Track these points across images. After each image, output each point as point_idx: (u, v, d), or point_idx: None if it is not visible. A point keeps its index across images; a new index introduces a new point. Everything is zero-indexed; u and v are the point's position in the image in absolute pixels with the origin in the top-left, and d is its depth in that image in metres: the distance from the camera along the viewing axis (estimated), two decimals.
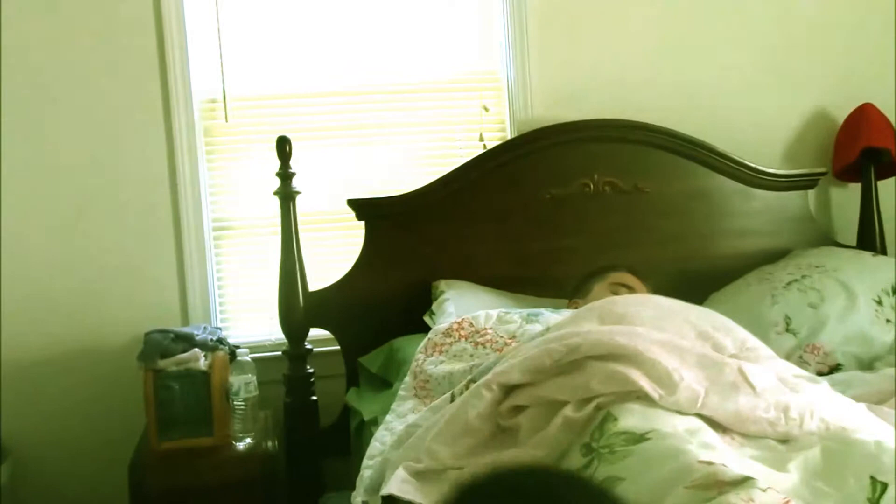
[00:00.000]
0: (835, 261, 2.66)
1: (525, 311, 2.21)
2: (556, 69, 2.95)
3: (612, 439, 1.41)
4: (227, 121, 2.80)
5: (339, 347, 2.74)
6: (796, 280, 2.59)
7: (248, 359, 2.36)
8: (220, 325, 2.80)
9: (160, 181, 2.75)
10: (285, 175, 2.59)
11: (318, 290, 2.68)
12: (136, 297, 2.73)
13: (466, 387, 1.79)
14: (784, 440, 1.51)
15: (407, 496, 1.48)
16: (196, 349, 2.35)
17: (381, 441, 2.01)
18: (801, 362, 2.31)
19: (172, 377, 2.31)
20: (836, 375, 2.22)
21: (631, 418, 1.45)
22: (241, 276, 2.87)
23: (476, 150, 2.90)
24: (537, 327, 2.12)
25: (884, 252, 2.94)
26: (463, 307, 2.48)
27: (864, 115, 2.98)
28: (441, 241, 2.76)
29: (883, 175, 3.03)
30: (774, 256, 2.86)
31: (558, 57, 2.95)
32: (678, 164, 2.88)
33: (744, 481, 1.19)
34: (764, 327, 2.43)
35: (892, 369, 2.15)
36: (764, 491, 1.19)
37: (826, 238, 3.00)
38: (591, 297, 2.40)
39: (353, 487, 2.57)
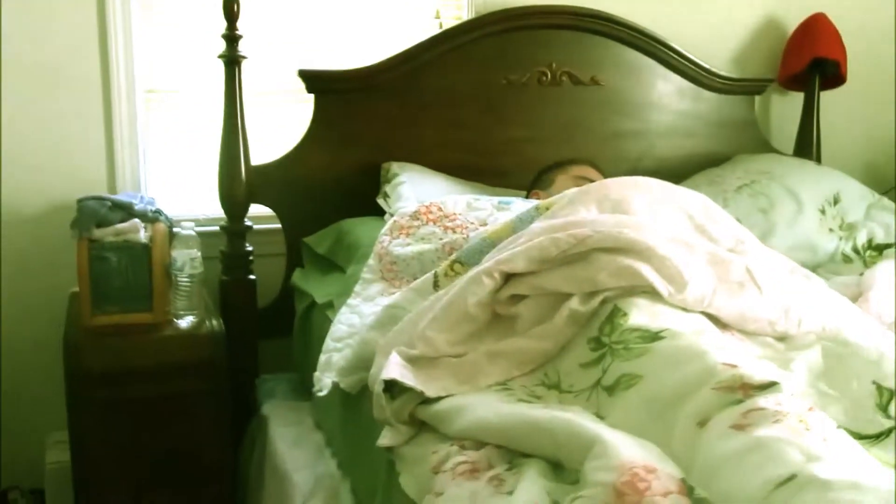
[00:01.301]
0: (781, 168, 2.70)
1: (495, 199, 2.14)
2: None
3: (625, 335, 1.38)
4: None
5: (279, 226, 2.61)
6: (746, 185, 2.61)
7: (194, 233, 2.20)
8: (149, 196, 2.60)
9: (89, 38, 2.48)
10: (231, 37, 2.39)
11: (261, 164, 2.53)
12: (59, 164, 2.50)
13: (451, 267, 1.73)
14: (781, 338, 1.52)
15: (408, 382, 1.41)
16: (136, 220, 2.18)
17: (347, 324, 1.93)
18: None
19: (109, 248, 2.14)
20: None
21: (640, 314, 1.41)
22: (174, 146, 2.67)
23: (431, 29, 2.77)
24: (507, 215, 2.05)
25: (819, 162, 3.00)
26: (419, 191, 2.39)
27: (816, 25, 2.99)
28: (392, 121, 2.63)
29: (827, 86, 3.07)
30: (717, 160, 2.88)
31: None
32: (636, 58, 2.83)
33: (770, 385, 1.18)
34: None
35: (847, 277, 2.21)
36: (791, 395, 1.18)
37: (766, 145, 3.04)
38: (553, 188, 2.36)
39: (290, 370, 2.54)
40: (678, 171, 2.82)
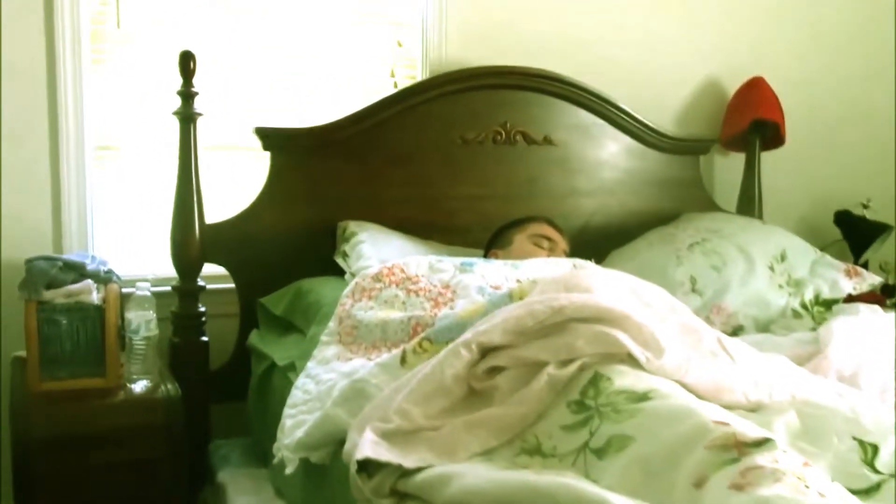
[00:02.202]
0: (730, 226, 2.76)
1: (457, 260, 2.13)
2: (475, 13, 2.85)
3: (612, 397, 1.38)
4: (118, 27, 2.51)
5: (233, 286, 2.56)
6: (697, 243, 2.66)
7: (149, 293, 2.15)
8: (96, 254, 2.52)
9: (37, 92, 2.43)
10: (187, 94, 2.36)
11: (216, 222, 2.48)
12: (4, 222, 2.41)
13: (420, 345, 1.71)
14: (753, 409, 1.54)
15: (383, 458, 1.38)
16: (88, 280, 2.12)
17: (303, 389, 1.89)
18: (708, 321, 2.38)
19: (60, 310, 2.06)
20: (747, 337, 2.30)
21: (624, 378, 1.42)
22: (124, 203, 2.60)
23: (387, 87, 2.78)
24: (471, 277, 2.05)
25: (762, 219, 3.09)
26: (379, 250, 2.38)
27: (755, 88, 3.10)
28: (349, 179, 2.62)
29: (767, 147, 3.17)
30: (665, 217, 2.93)
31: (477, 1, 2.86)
32: (586, 118, 2.88)
33: (765, 442, 1.19)
34: (671, 286, 2.46)
35: (802, 333, 2.26)
36: (785, 452, 1.19)
37: (711, 203, 3.11)
38: (512, 248, 2.37)
39: (243, 434, 2.48)
40: (628, 228, 2.87)
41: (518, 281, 2.05)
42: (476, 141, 2.74)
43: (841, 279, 2.66)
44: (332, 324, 2.03)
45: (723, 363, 1.53)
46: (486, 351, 1.54)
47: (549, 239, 2.38)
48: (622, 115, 2.91)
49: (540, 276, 2.05)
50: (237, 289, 2.55)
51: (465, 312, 1.75)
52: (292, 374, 2.06)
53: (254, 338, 2.41)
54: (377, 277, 2.08)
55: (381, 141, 2.65)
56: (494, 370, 1.53)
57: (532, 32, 2.92)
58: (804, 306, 2.59)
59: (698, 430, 1.23)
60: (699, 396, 1.50)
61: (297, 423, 1.81)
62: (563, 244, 2.42)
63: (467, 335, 1.54)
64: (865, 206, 3.32)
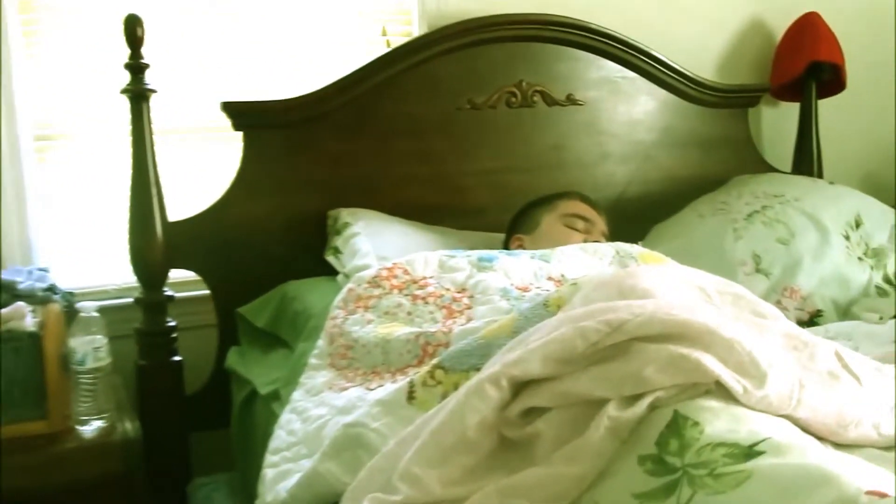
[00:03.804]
0: (792, 189, 2.33)
1: (474, 255, 1.72)
2: None
3: (705, 454, 0.97)
4: None
5: (207, 292, 2.16)
6: (757, 211, 2.24)
7: (96, 314, 1.74)
8: (42, 265, 2.12)
9: None
10: (136, 67, 1.95)
11: (182, 220, 2.08)
12: None
13: (432, 375, 1.30)
14: (889, 446, 1.12)
15: None
16: (20, 303, 1.72)
17: (287, 429, 1.50)
18: (780, 308, 1.96)
19: None
20: (830, 326, 1.89)
21: (718, 421, 1.01)
22: (72, 202, 2.20)
23: (378, 47, 2.36)
24: (492, 277, 1.64)
25: (824, 180, 2.65)
26: (377, 244, 1.97)
27: (810, 26, 2.65)
28: (339, 159, 2.21)
29: (823, 94, 2.72)
30: (712, 182, 2.50)
31: None
32: (615, 72, 2.46)
33: None
34: (729, 267, 2.08)
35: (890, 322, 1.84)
36: None
37: (763, 163, 2.68)
38: (540, 231, 1.97)
39: (229, 468, 2.09)
40: (670, 197, 2.46)
41: (552, 279, 1.64)
42: (487, 105, 2.31)
43: None
44: (321, 342, 1.63)
45: (846, 386, 1.12)
46: (520, 386, 1.13)
47: (584, 219, 1.97)
48: (657, 66, 2.47)
49: (580, 274, 1.64)
50: (213, 296, 2.15)
51: (488, 332, 1.34)
52: (277, 406, 1.67)
53: (232, 358, 2.02)
54: (375, 282, 1.67)
55: (374, 111, 2.23)
56: (533, 412, 1.12)
57: None
58: (888, 281, 2.17)
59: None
60: (814, 434, 1.09)
61: (280, 473, 1.42)
62: (600, 224, 2.00)
63: (494, 366, 1.12)
64: None
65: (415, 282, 1.65)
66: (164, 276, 2.03)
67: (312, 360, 1.61)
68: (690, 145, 2.57)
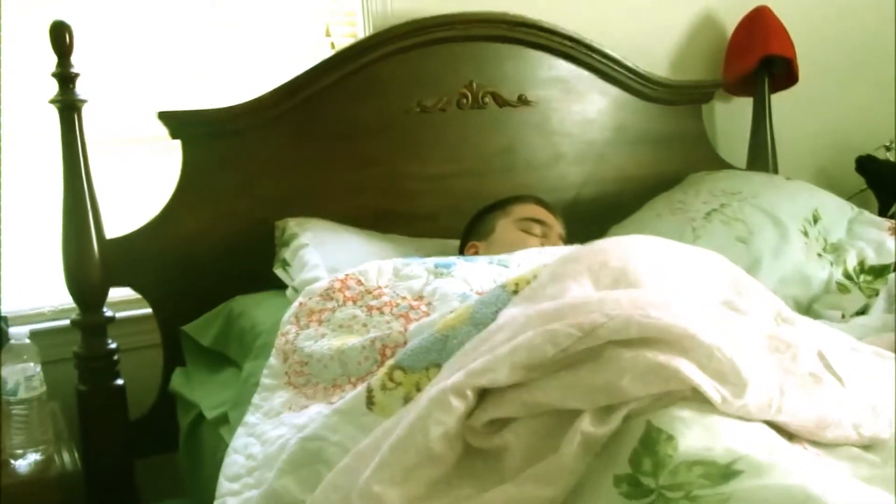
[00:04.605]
0: (749, 186, 2.30)
1: (430, 261, 1.64)
2: None
3: (682, 474, 0.90)
4: None
5: (150, 310, 2.05)
6: (715, 210, 2.20)
7: (27, 340, 1.63)
8: None
9: None
10: (66, 76, 1.84)
11: (120, 236, 1.97)
12: None
13: (391, 376, 1.22)
14: (867, 447, 1.07)
15: None
16: None
17: (244, 453, 1.40)
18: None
19: None
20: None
21: (692, 435, 0.95)
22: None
23: (322, 49, 2.27)
24: (450, 283, 1.56)
25: (776, 174, 2.63)
26: (328, 255, 1.88)
27: (761, 20, 2.62)
28: (285, 167, 2.12)
29: (775, 88, 2.70)
30: (668, 180, 2.46)
31: None
32: (567, 71, 2.40)
33: None
34: None
35: (867, 317, 1.81)
36: None
37: (718, 160, 2.65)
38: (495, 237, 1.90)
39: (177, 493, 1.98)
40: (625, 197, 2.41)
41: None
42: (437, 108, 2.24)
43: (886, 239, 2.21)
44: (273, 360, 1.54)
45: (828, 389, 1.06)
46: (484, 391, 1.05)
47: (540, 223, 1.90)
48: (609, 63, 2.43)
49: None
50: (155, 315, 2.04)
51: (444, 323, 1.26)
52: (225, 430, 1.58)
53: (177, 380, 1.92)
54: (327, 294, 1.58)
55: (320, 116, 2.15)
56: (499, 422, 1.04)
57: None
58: (848, 276, 2.13)
59: None
60: (793, 434, 1.04)
61: (244, 501, 1.32)
62: (557, 227, 1.94)
63: (458, 374, 1.04)
64: (888, 149, 2.88)
65: (369, 292, 1.57)
66: (103, 296, 1.92)
67: (266, 381, 1.51)
68: (644, 143, 2.52)
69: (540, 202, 1.98)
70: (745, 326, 1.10)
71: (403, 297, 1.55)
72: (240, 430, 1.46)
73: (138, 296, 2.05)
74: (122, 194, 2.11)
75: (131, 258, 1.97)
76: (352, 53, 2.16)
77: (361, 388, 1.24)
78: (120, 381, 1.94)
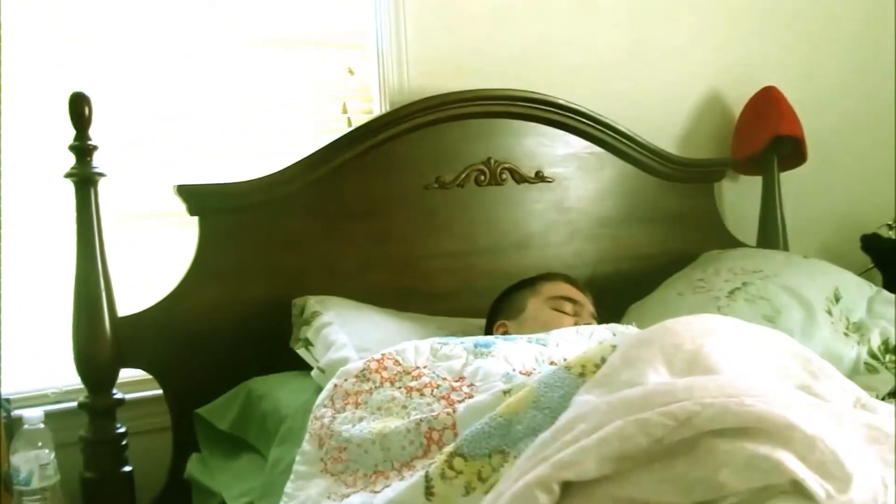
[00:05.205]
0: (769, 264, 2.28)
1: (468, 341, 1.58)
2: (438, 31, 2.34)
3: None
4: None
5: (160, 391, 1.95)
6: (738, 288, 2.17)
7: (41, 425, 1.54)
8: None
9: None
10: (83, 149, 1.79)
11: (132, 314, 1.89)
12: None
13: (450, 465, 1.16)
14: None
15: None
16: None
17: None
18: None
19: None
20: None
21: None
22: (8, 295, 1.99)
23: (339, 125, 2.24)
24: (491, 363, 1.50)
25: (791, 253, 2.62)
26: (353, 334, 1.81)
27: (770, 100, 2.65)
28: (299, 244, 2.06)
29: (783, 167, 2.71)
30: (682, 260, 2.43)
31: (441, 16, 2.34)
32: (582, 148, 2.39)
33: None
34: None
35: None
36: None
37: (731, 238, 2.63)
38: (526, 316, 1.84)
39: None
40: (641, 275, 2.39)
41: (554, 364, 1.51)
42: (455, 184, 2.21)
43: None
44: (307, 446, 1.45)
45: None
46: (566, 485, 0.99)
47: (572, 301, 1.85)
48: (624, 141, 2.42)
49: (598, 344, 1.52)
50: (166, 397, 1.95)
51: (506, 407, 1.20)
52: None
53: (193, 466, 1.82)
54: (363, 375, 1.51)
55: (337, 192, 2.10)
56: None
57: (504, 54, 2.42)
58: (873, 356, 2.10)
59: None
60: None
61: None
62: (588, 305, 1.89)
63: (542, 468, 0.97)
64: (891, 227, 2.89)
65: (407, 372, 1.50)
66: (114, 377, 1.84)
67: (300, 468, 1.43)
68: (658, 221, 2.51)
69: (569, 280, 1.93)
70: (841, 415, 1.04)
71: (444, 378, 1.48)
72: None
73: (146, 376, 1.96)
74: (133, 270, 2.03)
75: (143, 337, 1.89)
76: (371, 129, 2.12)
77: (418, 476, 1.17)
78: (128, 468, 1.83)
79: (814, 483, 0.94)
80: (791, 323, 2.06)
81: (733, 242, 2.60)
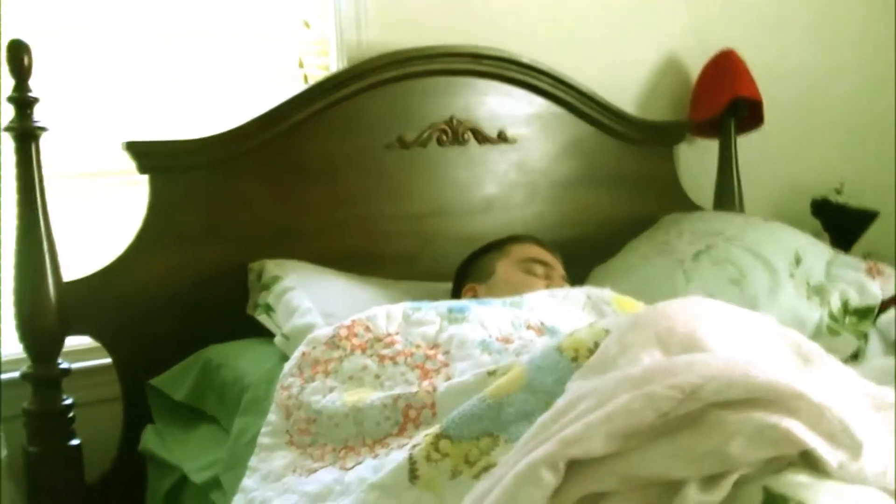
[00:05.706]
0: (731, 227, 2.26)
1: (441, 305, 1.52)
2: None
3: None
4: None
5: (109, 360, 1.86)
6: (702, 251, 2.15)
7: None
8: None
9: None
10: (23, 101, 1.67)
11: (78, 279, 1.79)
12: None
13: (436, 447, 1.10)
14: None
15: None
16: None
17: None
18: None
19: None
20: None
21: (823, 500, 0.86)
22: None
23: (295, 81, 2.14)
24: (467, 329, 1.44)
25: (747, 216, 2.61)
26: (318, 300, 1.73)
27: (728, 63, 2.62)
28: (256, 204, 1.97)
29: (740, 130, 2.70)
30: (642, 223, 2.40)
31: None
32: (545, 108, 2.33)
33: None
34: None
35: (880, 359, 1.77)
36: None
37: (688, 201, 2.61)
38: (496, 279, 1.79)
39: None
40: (603, 238, 2.35)
41: (532, 328, 1.46)
42: (417, 143, 2.13)
43: (866, 281, 2.19)
44: (273, 417, 1.38)
45: None
46: (571, 465, 0.94)
47: (542, 263, 1.81)
48: (585, 100, 2.37)
49: (558, 321, 1.48)
50: (116, 366, 1.85)
51: (496, 389, 1.15)
52: (218, 495, 1.41)
53: (149, 439, 1.73)
54: (333, 342, 1.44)
55: (294, 152, 2.01)
56: (593, 497, 0.93)
57: (464, 10, 2.33)
58: (833, 318, 2.11)
59: None
60: None
61: None
62: (559, 268, 1.85)
63: (548, 446, 0.92)
64: (839, 192, 2.91)
65: (379, 339, 1.44)
66: (59, 346, 1.73)
67: (264, 440, 1.36)
68: (619, 184, 2.47)
69: (538, 242, 1.89)
70: (843, 385, 1.02)
71: (417, 346, 1.43)
72: (238, 498, 1.30)
73: (95, 344, 1.86)
74: (81, 233, 1.91)
75: (91, 303, 1.79)
76: (330, 86, 2.03)
77: (402, 459, 1.11)
78: (76, 441, 1.74)
79: (825, 451, 0.91)
80: (756, 285, 2.05)
81: (691, 207, 2.58)
